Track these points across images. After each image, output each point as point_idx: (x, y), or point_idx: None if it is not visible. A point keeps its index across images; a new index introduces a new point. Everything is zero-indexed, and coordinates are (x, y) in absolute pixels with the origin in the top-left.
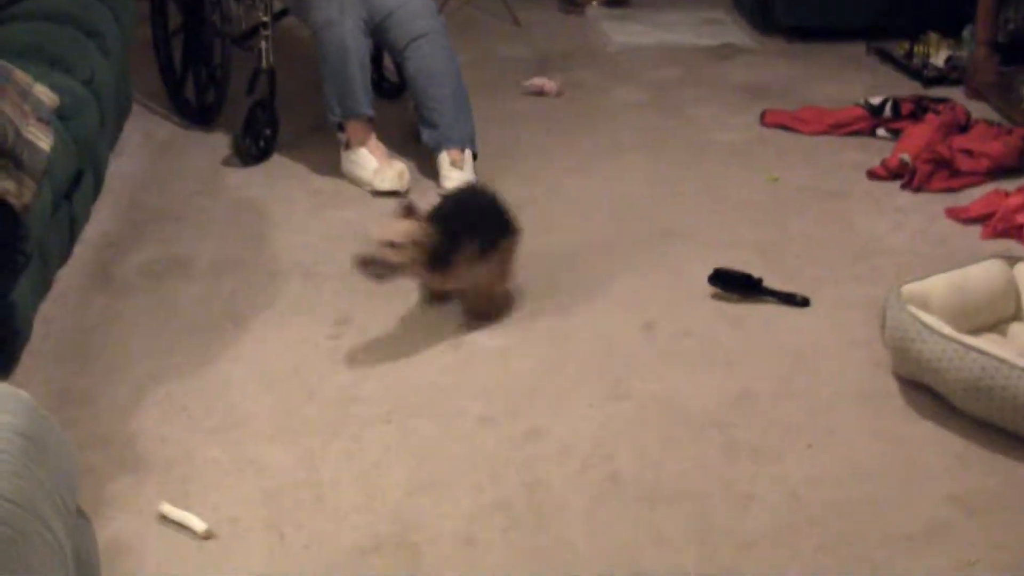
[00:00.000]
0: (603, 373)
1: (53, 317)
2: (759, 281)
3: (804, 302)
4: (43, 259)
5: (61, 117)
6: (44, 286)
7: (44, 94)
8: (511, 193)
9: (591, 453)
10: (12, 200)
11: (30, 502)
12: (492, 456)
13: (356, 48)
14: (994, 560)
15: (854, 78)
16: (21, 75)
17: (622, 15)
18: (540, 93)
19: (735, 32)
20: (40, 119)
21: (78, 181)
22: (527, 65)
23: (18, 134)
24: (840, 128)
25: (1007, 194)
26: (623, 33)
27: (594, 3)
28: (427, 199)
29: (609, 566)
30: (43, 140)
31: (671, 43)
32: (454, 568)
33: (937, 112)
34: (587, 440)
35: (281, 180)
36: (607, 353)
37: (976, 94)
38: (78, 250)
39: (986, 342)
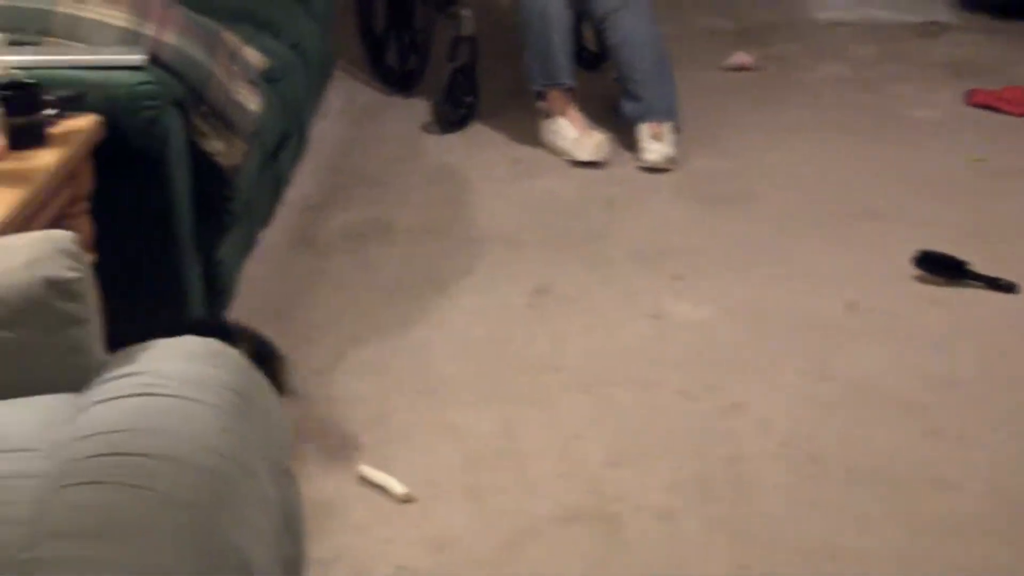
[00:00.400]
0: (804, 351)
1: (256, 277)
2: (964, 264)
3: (1010, 287)
4: (249, 220)
5: (269, 79)
6: (249, 246)
7: (253, 56)
8: (711, 166)
9: (791, 431)
10: (221, 160)
11: (242, 458)
12: (691, 429)
13: (558, 17)
14: None
15: None
16: (230, 37)
17: None
18: (740, 69)
19: (939, 8)
20: (249, 81)
21: (283, 143)
22: (727, 38)
23: (228, 95)
24: None
25: None
26: (826, 8)
27: None
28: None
29: (808, 544)
30: (252, 102)
31: (874, 18)
32: (652, 540)
33: None
34: (787, 418)
35: (480, 147)
36: (809, 330)
37: None
38: (281, 211)
39: None
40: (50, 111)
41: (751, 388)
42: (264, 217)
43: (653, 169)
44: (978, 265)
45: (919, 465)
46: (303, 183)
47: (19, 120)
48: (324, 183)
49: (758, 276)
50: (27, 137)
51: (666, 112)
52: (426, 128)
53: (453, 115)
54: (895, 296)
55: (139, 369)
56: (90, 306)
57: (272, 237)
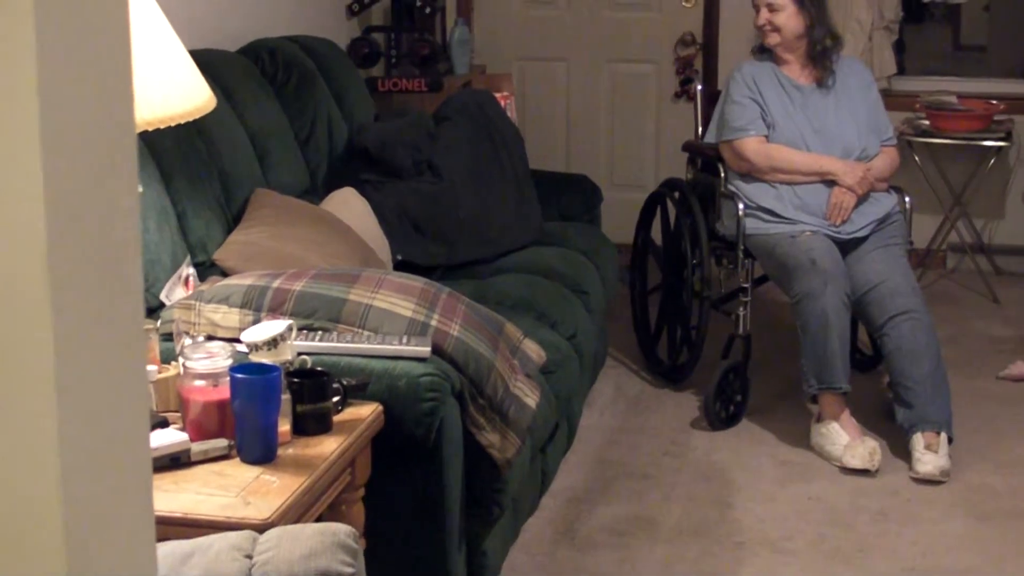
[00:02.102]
0: None
1: (518, 567)
2: None
3: None
4: (515, 510)
5: (545, 372)
6: (513, 536)
7: (533, 350)
8: (987, 480)
9: None
10: (495, 454)
11: None
12: None
13: (838, 322)
14: None
15: None
16: (512, 329)
17: None
18: (1020, 379)
19: None
20: (528, 375)
21: (553, 434)
22: (1008, 345)
23: (507, 389)
24: None
25: None
26: None
27: None
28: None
29: None
30: (529, 396)
31: None
32: None
33: None
34: None
35: (748, 446)
36: None
37: None
38: (546, 501)
39: None
40: (335, 399)
41: None
42: (529, 508)
43: (927, 481)
44: None
45: None
46: (569, 473)
47: (306, 407)
48: (589, 475)
49: None
50: (312, 424)
51: (941, 422)
52: (695, 423)
53: (723, 412)
54: None
55: None
56: None
57: (536, 527)
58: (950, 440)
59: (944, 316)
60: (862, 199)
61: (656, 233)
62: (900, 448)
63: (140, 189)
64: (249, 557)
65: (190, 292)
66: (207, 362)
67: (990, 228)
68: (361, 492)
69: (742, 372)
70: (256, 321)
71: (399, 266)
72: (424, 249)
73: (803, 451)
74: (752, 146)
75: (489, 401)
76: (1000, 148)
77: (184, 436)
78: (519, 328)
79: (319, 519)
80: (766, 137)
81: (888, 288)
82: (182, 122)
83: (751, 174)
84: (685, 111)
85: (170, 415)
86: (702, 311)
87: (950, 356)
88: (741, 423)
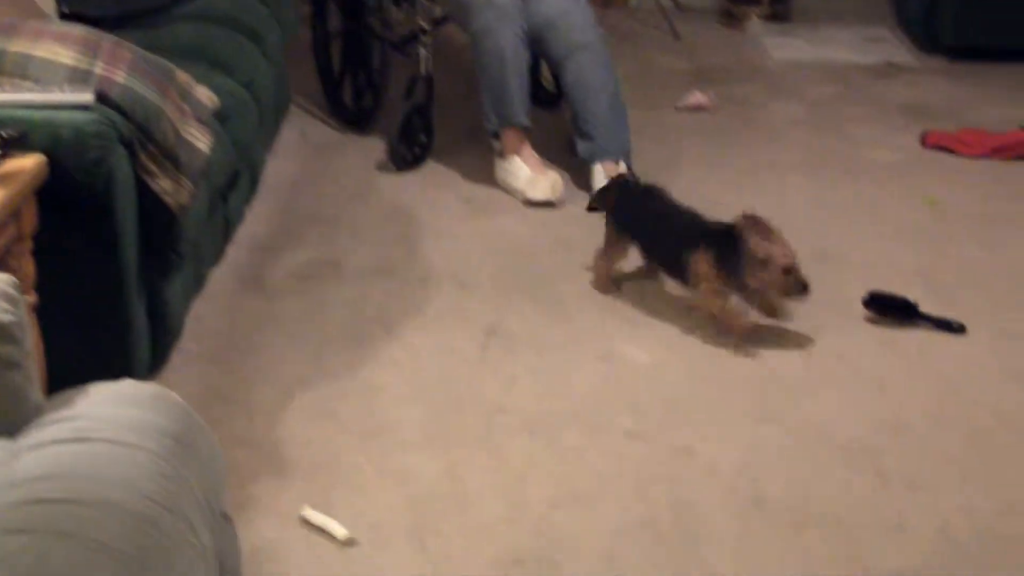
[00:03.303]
0: (754, 393)
1: (204, 317)
2: (915, 306)
3: (960, 329)
4: (196, 259)
5: (220, 118)
6: (196, 286)
7: (204, 95)
8: None
9: (739, 475)
10: (169, 200)
11: (177, 505)
12: (638, 472)
13: (514, 57)
14: None
15: (1019, 100)
16: (183, 76)
17: (782, 30)
18: (697, 108)
19: (897, 50)
20: (199, 120)
21: (234, 182)
22: (685, 78)
23: (177, 134)
24: (1003, 152)
25: None
26: (782, 48)
27: (754, 18)
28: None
29: None
30: (201, 141)
31: (831, 60)
32: None
33: None
34: (735, 462)
35: (434, 186)
36: (759, 373)
37: None
38: (231, 251)
39: None
40: None
41: (699, 432)
42: (213, 257)
43: None
44: (930, 307)
45: (868, 509)
46: (254, 222)
47: None
48: (275, 222)
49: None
50: None
51: (620, 152)
52: (381, 166)
53: (408, 154)
54: (846, 338)
55: (75, 414)
56: (26, 349)
57: (221, 277)
58: (629, 170)
59: (626, 53)
60: None
61: None
62: (582, 180)
63: None
64: None
65: None
66: None
67: None
68: (29, 244)
69: (426, 113)
70: None
71: (67, 19)
72: None
73: (488, 188)
74: None
75: (160, 147)
76: None
77: None
78: (190, 75)
79: None
80: None
81: (567, 23)
82: None
83: None
84: None
85: None
86: (384, 54)
87: (631, 90)
88: (426, 164)
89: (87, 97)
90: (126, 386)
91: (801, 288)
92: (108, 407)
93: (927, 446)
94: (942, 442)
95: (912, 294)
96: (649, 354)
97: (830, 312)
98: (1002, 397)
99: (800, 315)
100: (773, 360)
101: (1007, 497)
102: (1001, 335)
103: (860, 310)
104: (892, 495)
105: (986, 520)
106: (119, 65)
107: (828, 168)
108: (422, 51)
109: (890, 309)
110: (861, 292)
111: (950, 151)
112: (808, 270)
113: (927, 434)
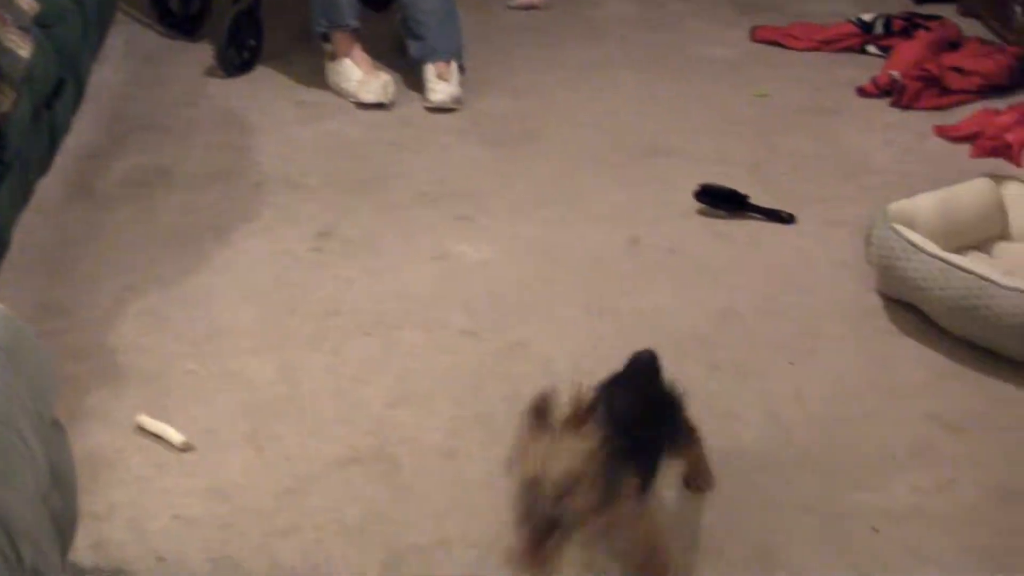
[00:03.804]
0: (588, 288)
1: (32, 228)
2: (745, 197)
3: (789, 218)
4: (22, 169)
5: (42, 25)
6: (23, 197)
7: (24, 2)
8: (497, 106)
9: (574, 367)
10: None
11: (5, 413)
12: (474, 369)
13: None
14: (975, 478)
15: None
16: None
17: None
18: (529, 7)
19: None
20: (20, 27)
21: (59, 91)
22: None
23: None
24: (830, 44)
25: (997, 112)
26: None
27: None
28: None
29: None
30: (22, 48)
31: None
32: (433, 480)
33: (928, 29)
34: (570, 354)
35: (265, 91)
36: (592, 267)
37: (968, 12)
38: (59, 160)
39: (972, 261)
40: None
41: (534, 327)
42: (39, 167)
43: (439, 109)
44: (760, 198)
45: (700, 397)
46: (82, 130)
47: None
48: (103, 130)
49: (543, 215)
50: None
51: (451, 52)
52: (210, 72)
53: (236, 59)
54: (678, 231)
55: None
56: None
57: (49, 186)
58: (461, 69)
59: None
60: None
61: None
62: (413, 81)
63: None
64: None
65: None
66: None
67: None
68: None
69: (254, 16)
70: None
71: None
72: None
73: (320, 91)
74: None
75: None
76: None
77: None
78: None
79: None
80: None
81: None
82: None
83: None
84: None
85: None
86: None
87: None
88: (257, 69)
89: None
90: None
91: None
92: None
93: (757, 334)
94: (772, 330)
95: (743, 186)
96: (483, 251)
97: (663, 205)
98: (830, 284)
99: (632, 208)
100: (606, 254)
101: (834, 382)
102: (829, 224)
103: (692, 203)
104: (724, 383)
105: (814, 405)
106: None
107: (660, 64)
108: None
109: (721, 201)
110: (693, 185)
111: (780, 45)
112: (641, 165)
113: (757, 322)
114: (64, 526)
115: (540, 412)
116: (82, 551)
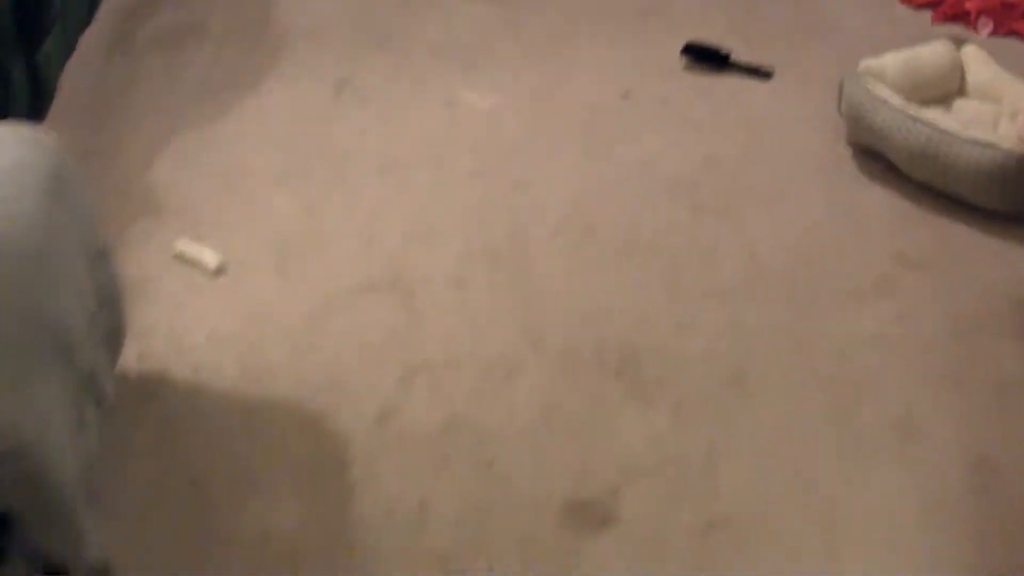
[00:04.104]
0: (584, 135)
1: (75, 79)
2: (728, 55)
3: (768, 74)
4: (66, 23)
5: None
6: (68, 50)
7: None
8: None
9: (571, 207)
10: None
11: (56, 237)
12: (480, 206)
13: None
14: (933, 311)
15: None
16: None
17: None
18: None
19: None
20: None
21: None
22: None
23: None
24: None
25: None
26: None
27: None
28: None
29: (585, 306)
30: None
31: None
32: (445, 306)
33: None
34: (568, 195)
35: None
36: (589, 117)
37: None
38: (99, 15)
39: (932, 114)
40: None
41: (535, 169)
42: (82, 22)
43: None
44: (741, 57)
45: (686, 237)
46: None
47: None
48: None
49: (544, 68)
50: None
51: None
52: None
53: None
54: (666, 85)
55: None
56: None
57: (91, 41)
58: None
59: None
60: None
61: None
62: None
63: None
64: None
65: None
66: None
67: None
68: None
69: None
70: None
71: None
72: None
73: None
74: None
75: None
76: None
77: None
78: None
79: None
80: None
81: None
82: None
83: None
84: None
85: None
86: None
87: None
88: None
89: None
90: (5, 130)
91: None
92: None
93: (737, 180)
94: (750, 176)
95: (726, 45)
96: (488, 99)
97: (652, 62)
98: (803, 136)
99: (625, 64)
100: (601, 105)
101: (806, 223)
102: (804, 80)
103: (679, 60)
104: (706, 223)
105: (786, 242)
106: None
107: None
108: None
109: (705, 57)
110: (679, 44)
111: None
112: (634, 24)
113: (737, 169)
114: (113, 339)
115: None
116: (129, 361)
